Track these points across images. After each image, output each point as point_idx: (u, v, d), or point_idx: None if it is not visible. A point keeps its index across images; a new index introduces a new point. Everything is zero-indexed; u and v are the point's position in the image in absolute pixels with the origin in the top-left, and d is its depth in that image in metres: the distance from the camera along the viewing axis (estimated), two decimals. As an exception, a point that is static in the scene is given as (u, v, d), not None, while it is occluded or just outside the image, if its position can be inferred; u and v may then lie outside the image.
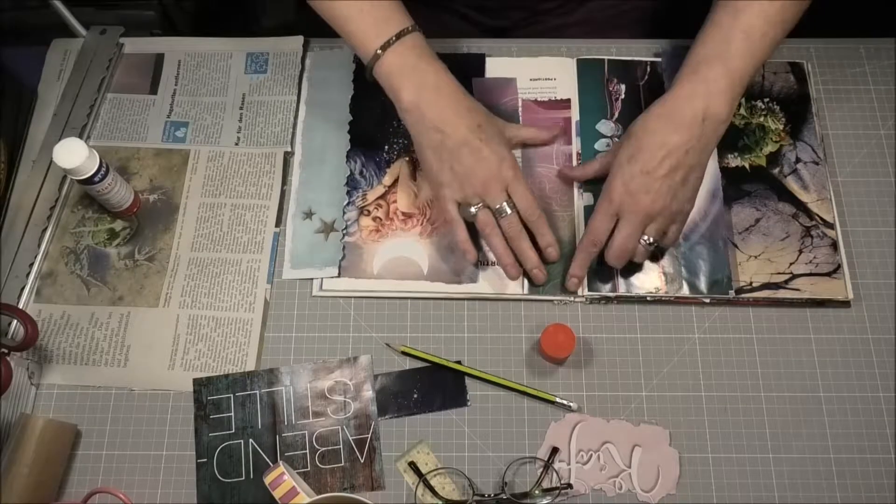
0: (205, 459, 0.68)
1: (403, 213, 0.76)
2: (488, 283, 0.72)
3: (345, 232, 0.75)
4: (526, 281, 0.72)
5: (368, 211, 0.76)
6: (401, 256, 0.74)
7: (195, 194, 0.78)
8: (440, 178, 0.68)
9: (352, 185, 0.77)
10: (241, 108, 0.82)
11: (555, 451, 0.67)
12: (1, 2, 0.94)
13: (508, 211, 0.67)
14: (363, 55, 0.68)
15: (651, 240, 0.69)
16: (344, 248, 0.74)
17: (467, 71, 0.82)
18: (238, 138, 0.80)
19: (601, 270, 0.72)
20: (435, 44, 0.70)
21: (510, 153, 0.69)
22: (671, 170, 0.66)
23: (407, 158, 0.78)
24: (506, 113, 0.79)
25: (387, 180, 0.77)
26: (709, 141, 0.67)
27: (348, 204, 0.76)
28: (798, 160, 0.77)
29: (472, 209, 0.68)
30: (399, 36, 0.67)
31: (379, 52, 0.67)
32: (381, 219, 0.76)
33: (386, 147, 0.79)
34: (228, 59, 0.85)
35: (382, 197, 0.77)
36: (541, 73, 0.82)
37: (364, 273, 0.73)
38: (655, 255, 0.73)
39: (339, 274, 0.73)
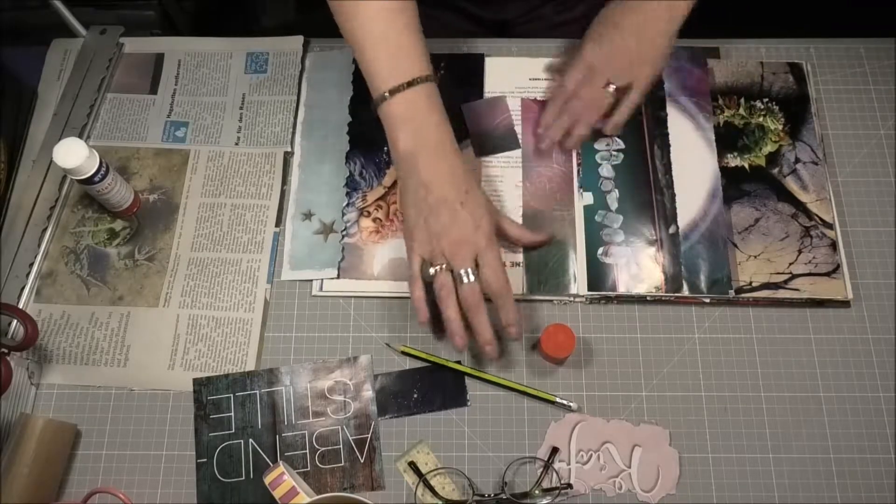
0: (205, 459, 0.68)
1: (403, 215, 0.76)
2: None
3: (344, 233, 0.75)
4: (525, 280, 0.72)
5: (368, 212, 0.76)
6: (401, 257, 0.74)
7: (195, 194, 0.78)
8: (413, 230, 0.66)
9: (351, 186, 0.77)
10: (241, 108, 0.82)
11: (555, 451, 0.67)
12: (1, 2, 0.95)
13: (471, 278, 0.64)
14: (372, 89, 0.67)
15: (614, 88, 0.74)
16: (344, 249, 0.74)
17: (467, 71, 0.82)
18: (238, 138, 0.80)
19: (602, 270, 0.73)
20: (434, 43, 0.69)
21: (489, 224, 0.66)
22: (637, 27, 0.72)
23: (407, 158, 0.78)
24: (502, 134, 0.79)
25: (386, 181, 0.77)
26: (673, 17, 0.72)
27: (348, 205, 0.76)
28: (797, 160, 0.77)
29: (432, 270, 0.65)
30: (411, 84, 0.65)
31: (387, 94, 0.65)
32: (381, 220, 0.76)
33: (385, 148, 0.78)
34: (228, 59, 0.85)
35: (382, 198, 0.77)
36: (540, 72, 0.82)
37: (364, 274, 0.73)
38: (655, 256, 0.73)
39: (339, 275, 0.73)
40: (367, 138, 0.79)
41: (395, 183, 0.77)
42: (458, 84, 0.80)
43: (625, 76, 0.73)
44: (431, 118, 0.66)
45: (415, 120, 0.66)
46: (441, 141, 0.67)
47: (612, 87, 0.73)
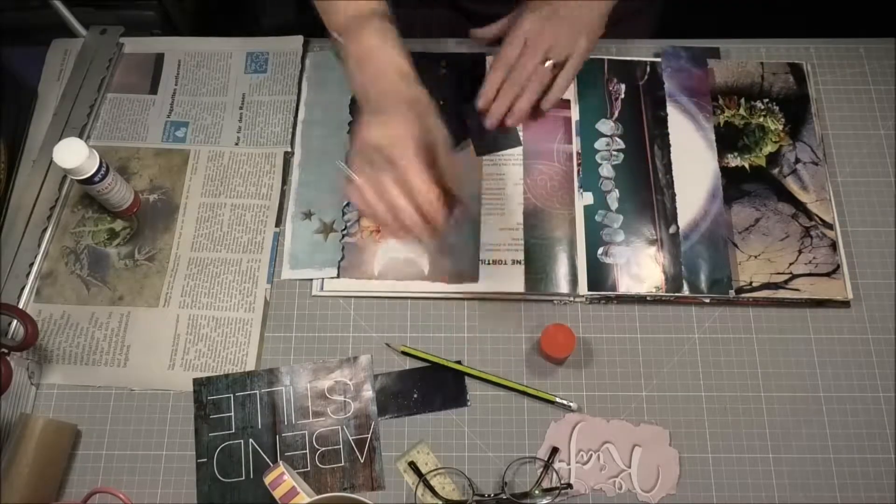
0: (205, 459, 0.68)
1: (403, 213, 0.75)
2: (488, 282, 0.72)
3: (345, 233, 0.75)
4: (525, 280, 0.72)
5: (368, 211, 0.76)
6: (401, 257, 0.74)
7: (195, 194, 0.78)
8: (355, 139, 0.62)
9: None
10: (241, 108, 0.82)
11: (555, 451, 0.67)
12: (1, 2, 0.95)
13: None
14: (327, 24, 0.65)
15: (552, 63, 0.72)
16: (344, 248, 0.74)
17: (467, 70, 0.82)
18: (238, 138, 0.80)
19: (602, 270, 0.73)
20: (434, 43, 0.70)
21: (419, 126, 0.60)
22: (574, 7, 0.71)
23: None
24: (503, 132, 0.79)
25: (387, 180, 0.77)
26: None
27: (348, 204, 0.76)
28: (797, 160, 0.77)
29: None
30: (365, 18, 0.63)
31: (340, 33, 0.63)
32: (381, 219, 0.75)
33: (386, 147, 0.79)
34: (228, 59, 0.85)
35: (382, 197, 0.76)
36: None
37: (364, 273, 0.73)
38: (656, 255, 0.73)
39: (339, 275, 0.73)
40: (367, 138, 0.79)
41: (395, 183, 0.77)
42: (458, 84, 0.80)
43: (563, 50, 0.73)
44: (386, 49, 0.63)
45: (371, 53, 0.63)
46: (396, 68, 0.63)
47: (549, 63, 0.72)
